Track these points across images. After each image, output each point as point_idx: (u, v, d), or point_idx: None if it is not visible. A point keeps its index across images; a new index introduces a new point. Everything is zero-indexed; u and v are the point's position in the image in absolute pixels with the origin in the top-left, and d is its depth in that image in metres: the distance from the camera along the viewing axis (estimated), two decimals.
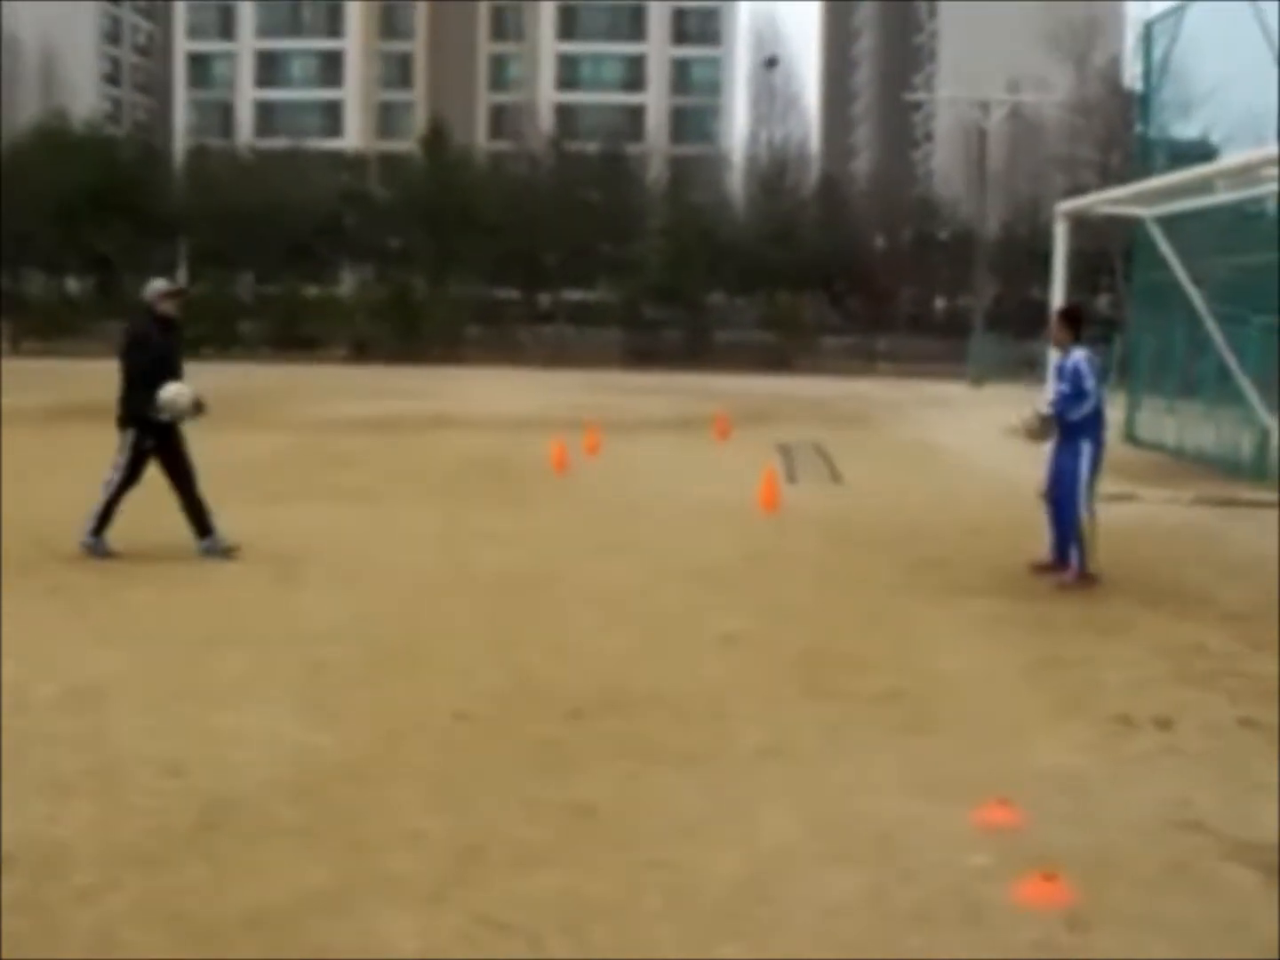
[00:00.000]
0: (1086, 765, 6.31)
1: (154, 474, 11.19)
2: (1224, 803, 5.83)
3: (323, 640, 8.42)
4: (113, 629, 8.66)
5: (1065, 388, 10.75)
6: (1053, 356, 11.39)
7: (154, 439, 10.99)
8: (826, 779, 6.05)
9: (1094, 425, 10.81)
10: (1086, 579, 10.60)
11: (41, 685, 7.15)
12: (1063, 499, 10.80)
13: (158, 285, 11.36)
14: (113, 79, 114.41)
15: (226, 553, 11.07)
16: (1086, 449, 10.73)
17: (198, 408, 11.01)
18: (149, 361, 10.93)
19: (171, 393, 10.84)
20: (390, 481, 16.53)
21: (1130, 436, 24.26)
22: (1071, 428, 10.80)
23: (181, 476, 11.12)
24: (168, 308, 11.18)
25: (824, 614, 9.64)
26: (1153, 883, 5.00)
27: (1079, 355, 10.81)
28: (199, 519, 11.15)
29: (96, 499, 10.98)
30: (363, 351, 57.26)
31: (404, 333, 58.94)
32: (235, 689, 7.28)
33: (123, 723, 6.63)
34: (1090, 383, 10.67)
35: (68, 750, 6.17)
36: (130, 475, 11.01)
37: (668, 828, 5.43)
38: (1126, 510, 15.01)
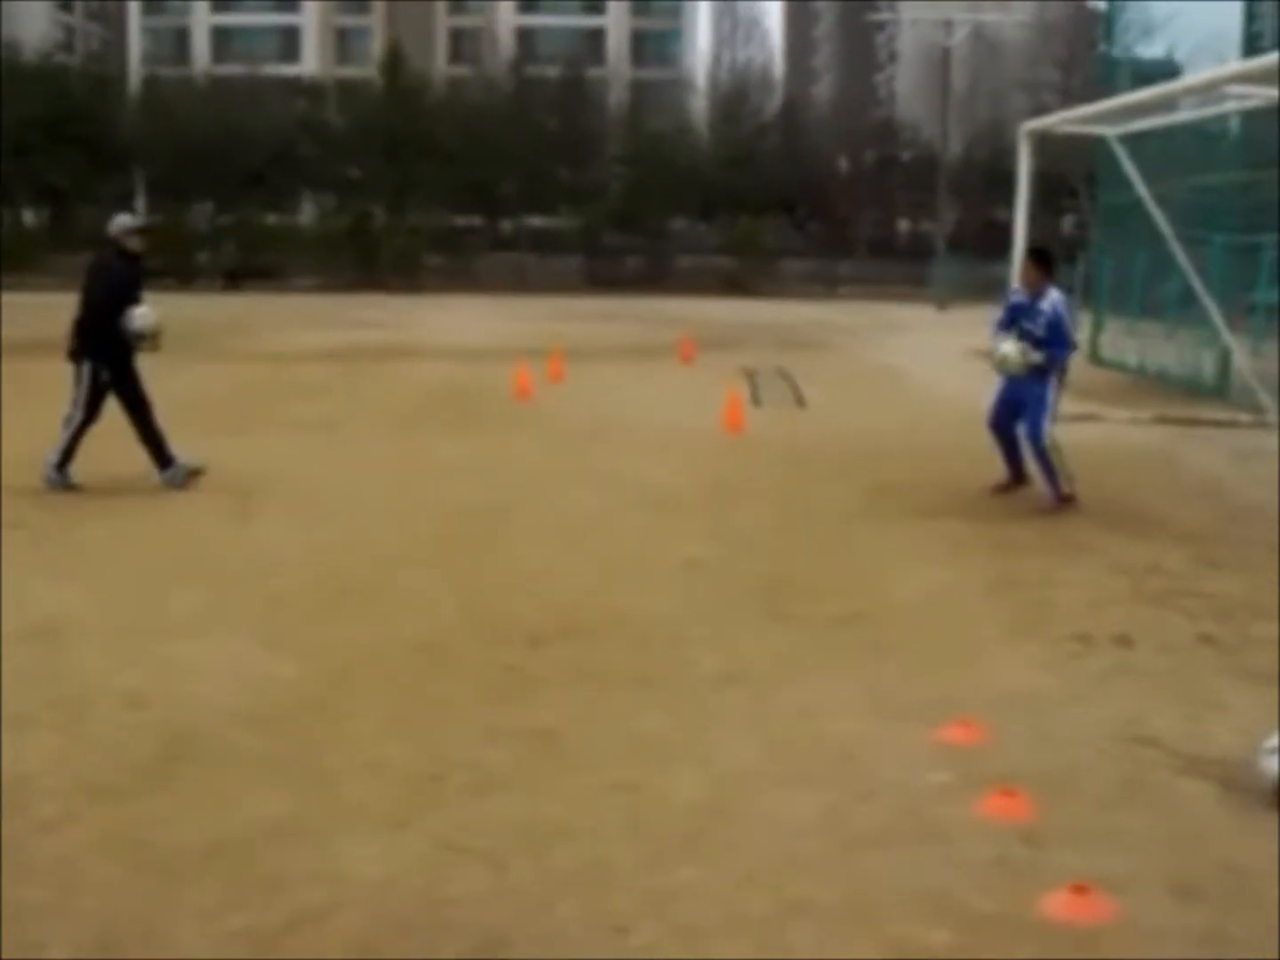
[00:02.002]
0: (1045, 684, 6.37)
1: (111, 408, 11.10)
2: (1180, 719, 5.89)
3: (281, 572, 8.40)
4: (71, 564, 8.62)
5: (1038, 332, 10.69)
6: (1015, 292, 11.30)
7: (110, 371, 10.90)
8: (785, 702, 6.08)
9: (1062, 358, 10.83)
10: (1064, 500, 10.66)
11: (1, 620, 7.10)
12: (1028, 425, 10.81)
13: (125, 220, 11.23)
14: (65, 6, 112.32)
15: (192, 475, 11.06)
16: (1053, 376, 10.77)
17: (155, 334, 11.00)
18: (113, 296, 10.82)
19: (139, 314, 10.81)
20: (349, 412, 16.45)
21: (1093, 356, 24.34)
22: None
23: (138, 408, 11.04)
24: (134, 244, 11.05)
25: (784, 539, 9.67)
26: (1109, 798, 5.05)
27: (1056, 299, 10.77)
28: (158, 450, 11.09)
29: (58, 437, 10.89)
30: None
31: (363, 262, 58.50)
32: (194, 621, 7.26)
33: (83, 657, 6.61)
34: (1068, 328, 10.74)
35: (28, 685, 6.14)
36: (91, 412, 10.91)
37: (627, 751, 5.46)
38: (1088, 430, 15.07)
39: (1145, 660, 6.78)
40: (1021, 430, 10.91)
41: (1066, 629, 7.28)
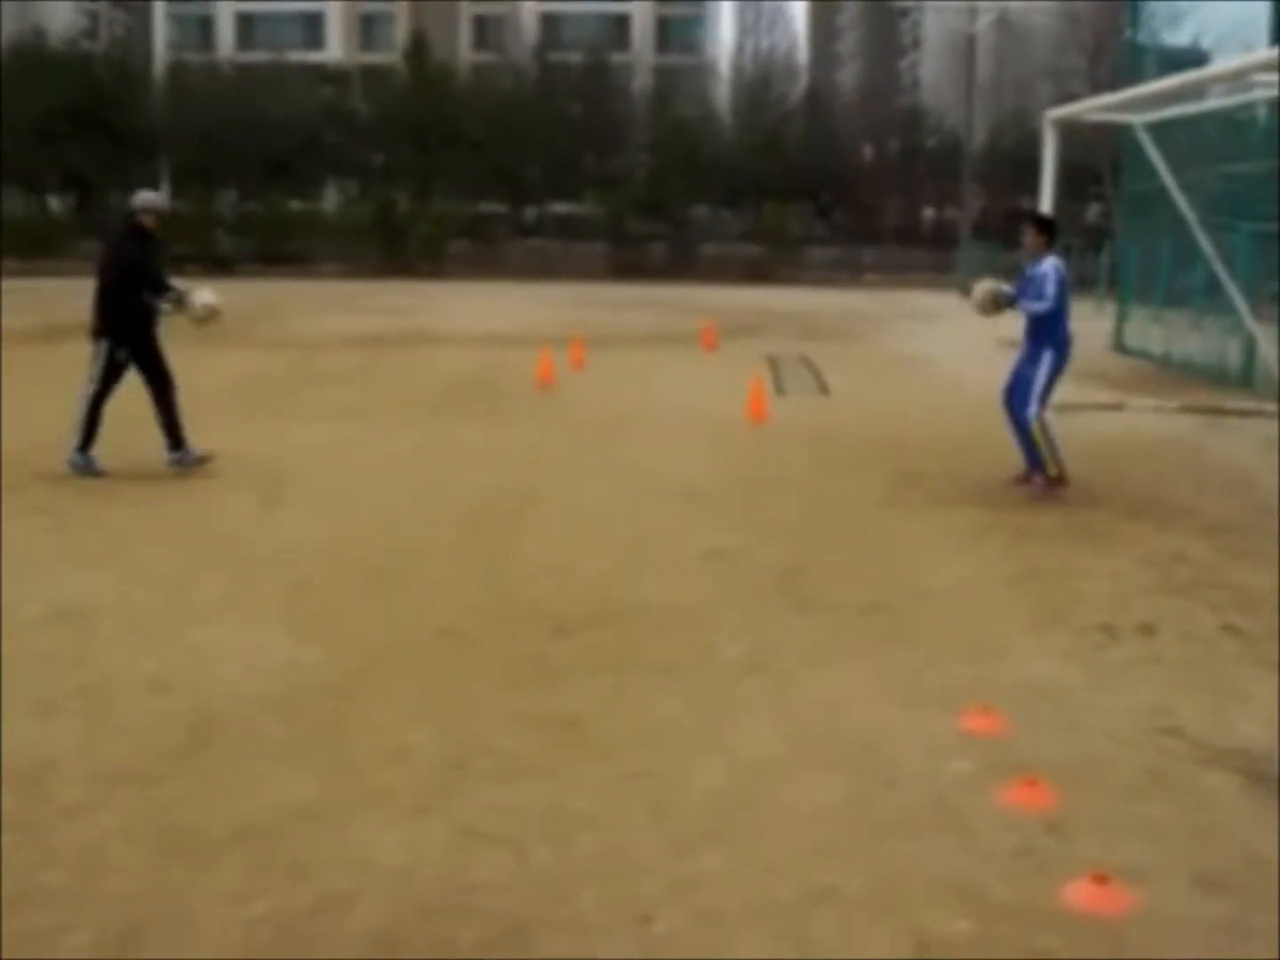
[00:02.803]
0: (1068, 674, 6.36)
1: (138, 393, 11.15)
2: (1204, 710, 5.88)
3: (306, 558, 8.43)
4: (95, 550, 8.66)
5: (1029, 289, 10.77)
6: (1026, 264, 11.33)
7: (128, 349, 10.95)
8: (808, 690, 6.09)
9: (1057, 334, 10.77)
10: (1053, 482, 10.64)
11: (26, 606, 7.15)
12: (1015, 403, 10.83)
13: (148, 197, 11.28)
14: None
15: (199, 461, 11.11)
16: (1047, 358, 10.72)
17: (210, 311, 11.18)
18: (127, 273, 10.88)
19: (196, 297, 11.06)
20: (374, 399, 16.47)
21: (1118, 345, 24.26)
22: (1035, 335, 10.81)
23: (160, 386, 11.10)
24: (148, 220, 11.09)
25: (807, 528, 9.66)
26: (1132, 788, 5.04)
27: (1049, 262, 10.78)
28: (171, 430, 11.14)
29: (75, 412, 10.97)
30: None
31: (388, 248, 58.57)
32: (219, 607, 7.29)
33: (109, 642, 6.64)
34: (1051, 289, 10.64)
35: (54, 670, 6.18)
36: (104, 385, 10.97)
37: (651, 739, 5.47)
38: (1113, 419, 15.03)
39: (1169, 650, 6.76)
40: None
41: (1090, 619, 7.26)
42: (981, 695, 5.87)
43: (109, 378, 10.98)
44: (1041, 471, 10.72)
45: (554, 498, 10.63)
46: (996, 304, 11.01)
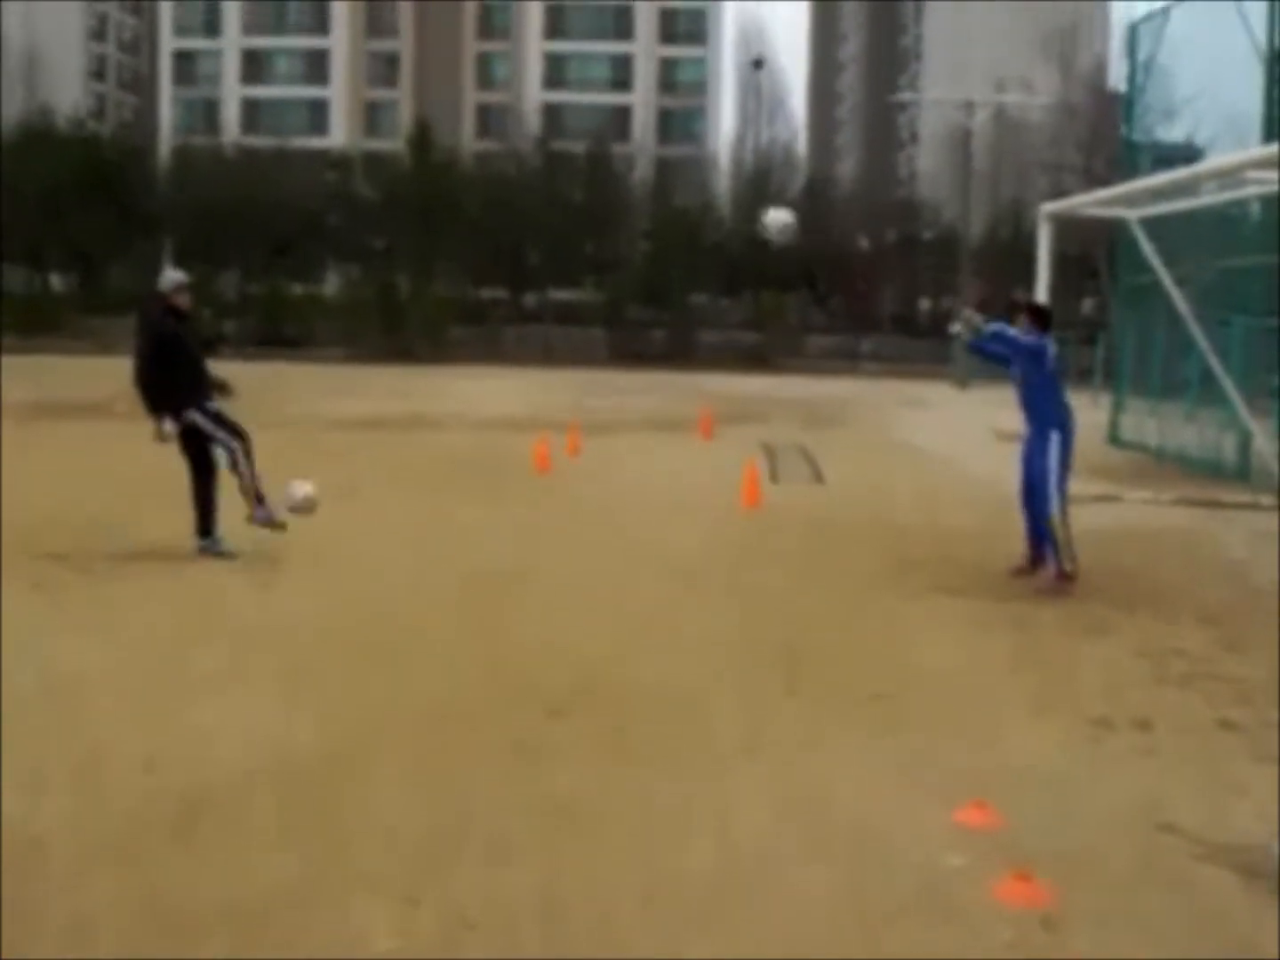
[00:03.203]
0: (1065, 765, 6.33)
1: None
2: (1201, 804, 5.84)
3: (302, 634, 8.42)
4: (93, 623, 8.65)
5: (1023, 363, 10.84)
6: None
7: (199, 408, 10.99)
8: (804, 776, 6.06)
9: (1060, 414, 10.78)
10: (1063, 578, 10.62)
11: (21, 680, 7.11)
12: (1034, 499, 10.82)
13: (176, 276, 11.34)
14: (98, 75, 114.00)
15: (223, 555, 10.99)
16: (1055, 438, 10.71)
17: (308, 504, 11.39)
18: (170, 352, 10.92)
19: (301, 493, 11.26)
20: (372, 479, 16.50)
21: (1113, 438, 24.33)
22: (1037, 419, 10.81)
23: (202, 467, 11.09)
24: (183, 300, 11.16)
25: (804, 612, 9.65)
26: (1129, 883, 5.01)
27: (1043, 339, 10.86)
28: (205, 516, 11.09)
29: (241, 484, 11.04)
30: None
31: (388, 332, 58.89)
32: (214, 682, 7.27)
33: (102, 717, 6.62)
34: (1025, 341, 10.70)
35: (46, 744, 6.15)
36: (230, 430, 11.04)
37: (644, 823, 5.44)
38: (1108, 511, 15.04)
39: (1166, 743, 6.73)
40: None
41: (1087, 710, 7.24)
42: (977, 785, 5.83)
43: (226, 424, 11.03)
44: (1056, 564, 10.68)
45: (550, 578, 10.63)
46: (971, 326, 11.01)
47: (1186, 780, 6.17)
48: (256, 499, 11.01)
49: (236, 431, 11.03)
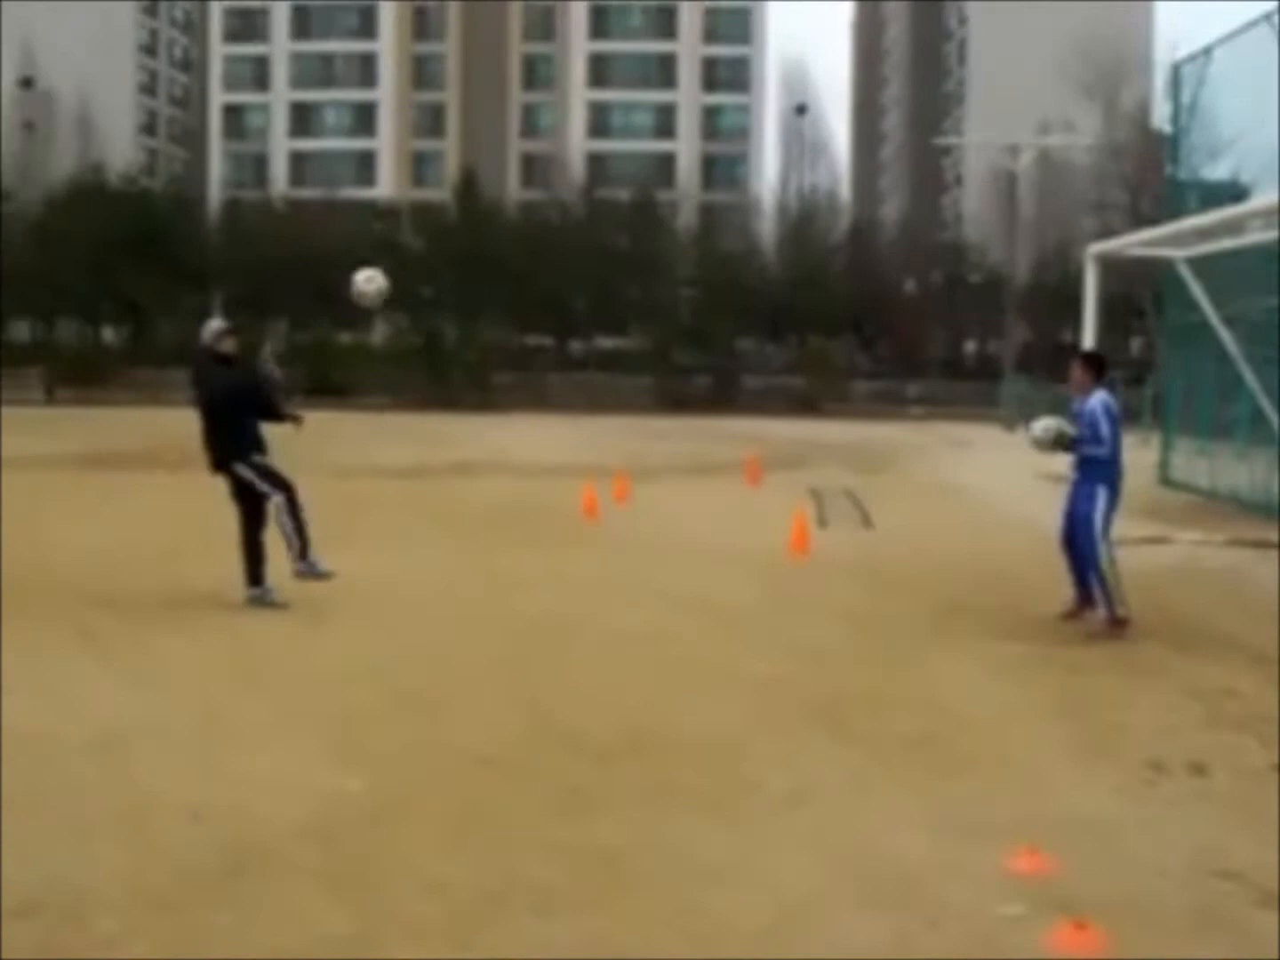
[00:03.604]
0: (1118, 810, 6.25)
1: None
2: (1257, 849, 5.75)
3: (348, 684, 8.42)
4: (140, 673, 8.67)
5: (1084, 432, 10.69)
6: (1073, 400, 11.25)
7: (259, 455, 11.07)
8: (853, 823, 6.00)
9: (1109, 470, 10.69)
10: (1117, 624, 10.50)
11: (69, 729, 7.16)
12: (1080, 544, 10.71)
13: (214, 325, 11.43)
14: (149, 130, 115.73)
15: (272, 604, 10.98)
16: (1101, 493, 10.63)
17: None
18: (224, 400, 10.99)
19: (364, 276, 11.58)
20: (418, 527, 16.54)
21: (1164, 478, 24.13)
22: (1086, 471, 10.72)
23: (251, 517, 11.13)
24: (228, 346, 11.25)
25: (852, 657, 9.59)
26: (1185, 931, 4.92)
27: (1097, 399, 10.72)
28: (254, 565, 11.11)
29: (283, 530, 11.01)
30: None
31: (436, 380, 59.14)
32: (260, 733, 7.27)
33: (149, 767, 6.63)
34: (1105, 429, 10.57)
35: (94, 794, 6.17)
36: (281, 486, 11.03)
37: (692, 873, 5.39)
38: (1159, 552, 14.91)
39: (1220, 787, 6.64)
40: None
41: (1139, 754, 7.14)
42: (1029, 831, 5.76)
43: (275, 478, 11.04)
44: (1109, 610, 10.57)
45: (597, 624, 10.60)
46: (1057, 444, 10.89)
47: (1243, 825, 6.07)
48: (300, 552, 11.01)
49: (282, 483, 11.05)
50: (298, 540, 10.99)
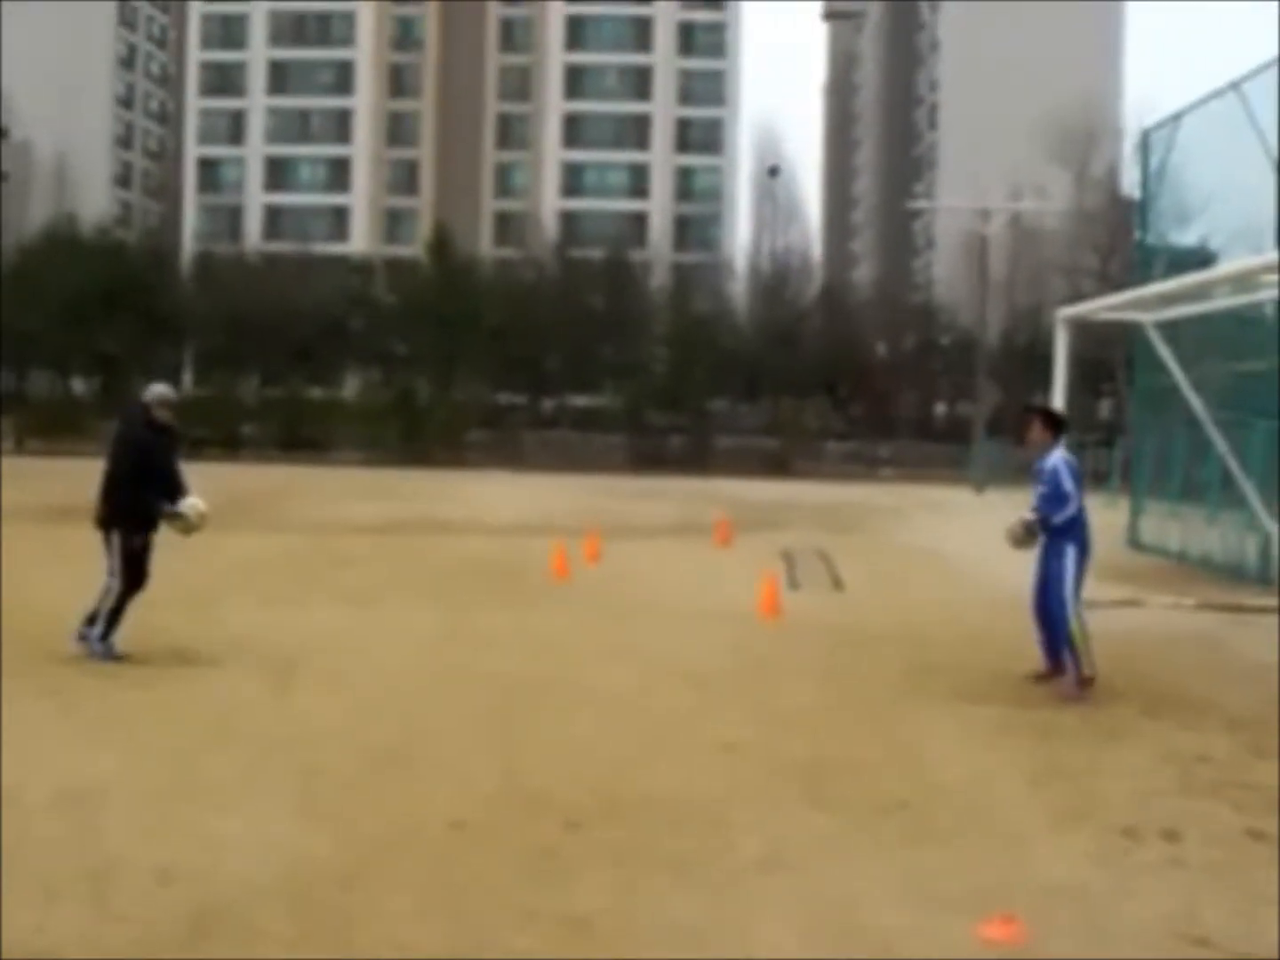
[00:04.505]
0: (1091, 877, 6.22)
1: (163, 571, 11.13)
2: (1231, 917, 5.73)
3: (317, 744, 8.34)
4: (107, 731, 8.58)
5: (1045, 489, 10.76)
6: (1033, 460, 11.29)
7: (142, 536, 10.94)
8: (826, 890, 5.95)
9: (1077, 528, 10.76)
10: (1084, 683, 10.51)
11: (33, 787, 7.07)
12: (1050, 604, 10.74)
13: (160, 390, 11.29)
14: (123, 182, 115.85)
15: (113, 658, 10.74)
16: (1070, 552, 10.69)
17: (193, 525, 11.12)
18: (139, 463, 10.92)
19: (188, 507, 10.93)
20: (389, 585, 16.46)
21: (1133, 541, 24.22)
22: (1055, 531, 10.78)
23: (134, 579, 11.00)
24: (162, 415, 11.16)
25: (824, 721, 9.55)
26: None
27: (1057, 456, 10.81)
28: (111, 616, 10.85)
29: (97, 607, 10.85)
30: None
31: (408, 436, 59.11)
32: (229, 793, 7.19)
33: (115, 826, 6.55)
34: (1069, 484, 10.65)
35: (58, 855, 6.09)
36: (131, 578, 10.91)
37: (664, 939, 5.34)
38: (1130, 616, 14.94)
39: (1194, 854, 6.62)
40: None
41: (1113, 820, 7.13)
42: (1002, 899, 5.73)
43: (132, 569, 10.91)
44: (1076, 669, 10.58)
45: (567, 685, 10.54)
46: (1031, 534, 10.95)
47: (1218, 892, 6.05)
48: (103, 628, 10.79)
49: (137, 579, 10.93)
50: (104, 619, 10.81)
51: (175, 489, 11.10)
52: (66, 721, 8.80)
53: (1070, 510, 10.66)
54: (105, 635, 10.83)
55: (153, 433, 11.10)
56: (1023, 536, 10.99)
